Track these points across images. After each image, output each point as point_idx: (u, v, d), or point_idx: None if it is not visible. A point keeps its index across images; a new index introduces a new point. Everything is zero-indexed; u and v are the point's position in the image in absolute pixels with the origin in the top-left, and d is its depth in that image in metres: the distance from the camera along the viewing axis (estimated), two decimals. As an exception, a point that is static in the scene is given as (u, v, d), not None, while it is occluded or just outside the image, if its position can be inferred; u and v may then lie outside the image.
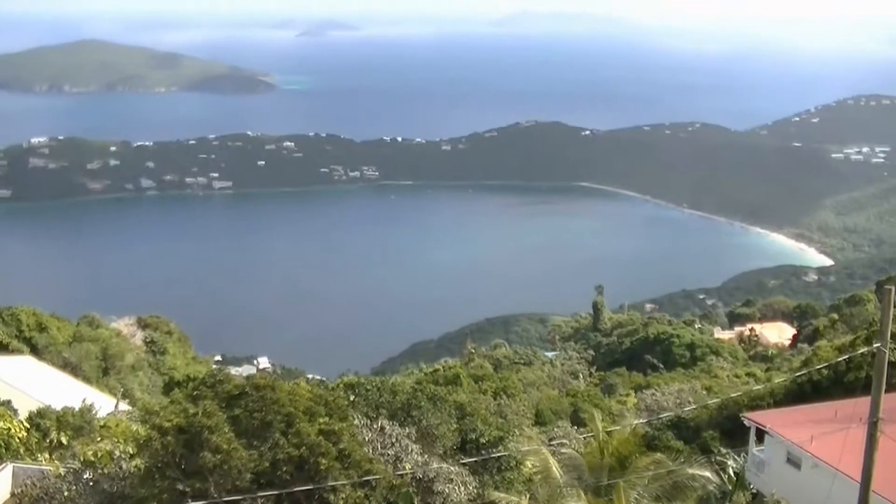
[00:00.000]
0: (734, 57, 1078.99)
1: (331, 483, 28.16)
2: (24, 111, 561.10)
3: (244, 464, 27.67)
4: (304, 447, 28.34)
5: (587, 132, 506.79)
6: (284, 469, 28.26)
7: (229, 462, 27.40)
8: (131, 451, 32.11)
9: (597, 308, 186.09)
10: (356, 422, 35.26)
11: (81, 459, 33.18)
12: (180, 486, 27.88)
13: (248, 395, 29.42)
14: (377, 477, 29.66)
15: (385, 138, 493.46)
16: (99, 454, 32.81)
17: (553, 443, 36.94)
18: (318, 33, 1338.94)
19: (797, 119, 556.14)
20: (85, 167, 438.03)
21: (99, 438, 42.58)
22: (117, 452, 33.08)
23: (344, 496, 28.38)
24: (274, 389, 29.87)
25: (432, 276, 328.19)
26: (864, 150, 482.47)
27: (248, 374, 69.58)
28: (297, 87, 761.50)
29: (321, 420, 29.69)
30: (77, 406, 53.50)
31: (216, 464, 27.32)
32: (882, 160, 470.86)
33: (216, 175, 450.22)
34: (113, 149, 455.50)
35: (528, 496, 29.19)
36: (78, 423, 51.26)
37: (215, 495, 27.59)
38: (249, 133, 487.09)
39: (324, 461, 28.08)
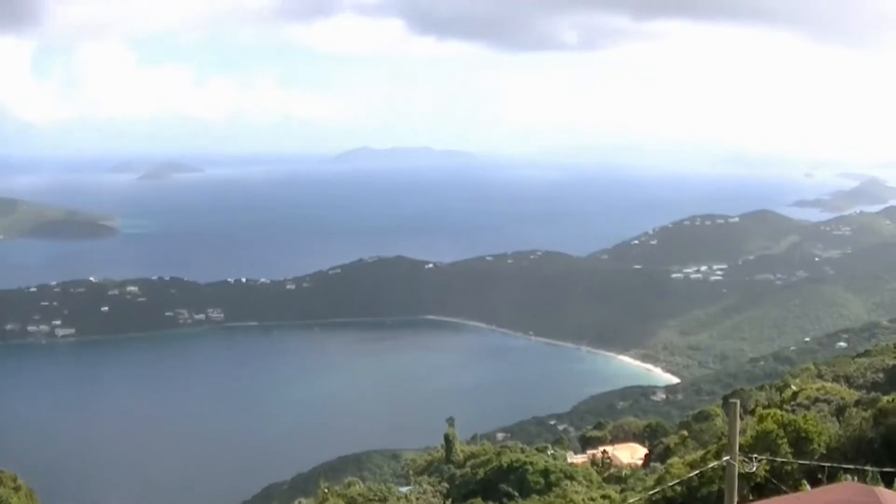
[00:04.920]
0: (573, 184, 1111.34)
1: None
2: None
3: None
4: None
5: (430, 265, 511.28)
6: None
7: None
8: None
9: (449, 440, 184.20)
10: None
11: None
12: None
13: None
14: None
15: (229, 280, 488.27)
16: None
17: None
18: (160, 176, 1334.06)
19: (636, 242, 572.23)
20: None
21: None
22: None
23: None
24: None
25: (282, 416, 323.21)
26: (703, 268, 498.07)
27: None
28: (139, 230, 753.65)
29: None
30: None
31: None
32: (720, 278, 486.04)
33: (58, 322, 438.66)
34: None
35: None
36: None
37: None
38: (92, 279, 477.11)
39: None
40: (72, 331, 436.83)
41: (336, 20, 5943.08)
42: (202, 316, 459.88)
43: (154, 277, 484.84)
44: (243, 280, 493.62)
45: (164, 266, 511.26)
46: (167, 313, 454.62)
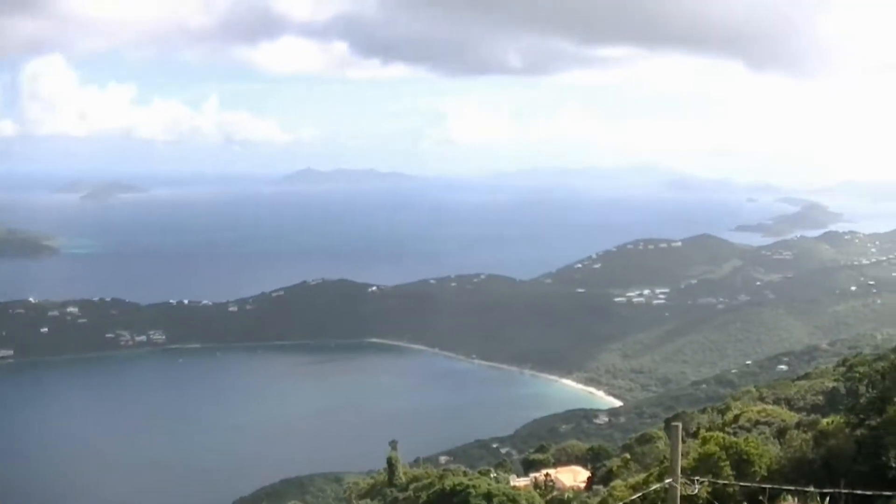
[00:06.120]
0: (519, 207, 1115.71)
1: None
2: None
3: None
4: None
5: (374, 288, 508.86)
6: None
7: None
8: None
9: (391, 463, 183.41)
10: None
11: None
12: None
13: None
14: None
15: (171, 301, 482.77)
16: None
17: None
18: (103, 195, 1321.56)
19: (580, 266, 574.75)
20: None
21: None
22: None
23: None
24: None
25: (225, 439, 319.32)
26: (646, 292, 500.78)
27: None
28: (82, 250, 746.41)
29: None
30: None
31: None
32: (663, 301, 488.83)
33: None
34: None
35: None
36: None
37: None
38: (31, 299, 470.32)
39: None
40: (10, 352, 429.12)
41: (281, 42, 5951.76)
42: (143, 338, 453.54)
43: (95, 298, 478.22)
44: (185, 302, 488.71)
45: (106, 287, 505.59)
46: (108, 335, 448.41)
